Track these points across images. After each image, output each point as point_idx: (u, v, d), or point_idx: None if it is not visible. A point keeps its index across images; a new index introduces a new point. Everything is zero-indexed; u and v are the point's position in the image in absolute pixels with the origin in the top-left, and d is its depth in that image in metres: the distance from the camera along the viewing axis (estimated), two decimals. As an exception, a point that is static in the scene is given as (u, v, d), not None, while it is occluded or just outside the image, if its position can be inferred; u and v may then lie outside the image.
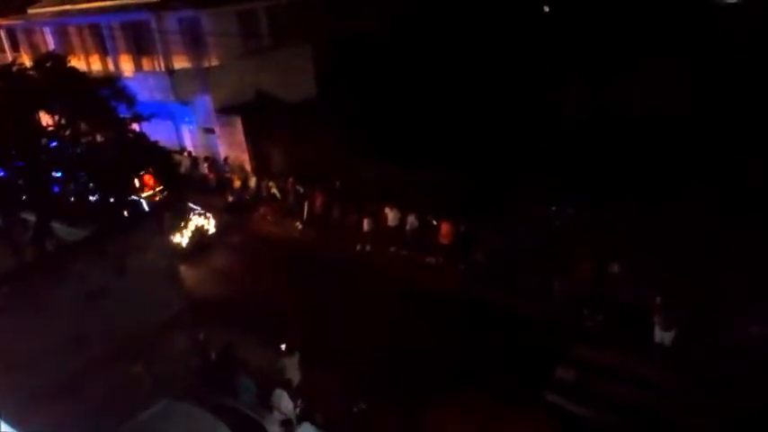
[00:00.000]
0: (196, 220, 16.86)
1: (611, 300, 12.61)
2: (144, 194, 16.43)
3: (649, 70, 24.23)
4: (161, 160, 13.54)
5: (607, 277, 12.64)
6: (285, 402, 10.09)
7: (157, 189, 16.99)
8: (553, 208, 14.59)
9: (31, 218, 13.11)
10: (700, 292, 11.75)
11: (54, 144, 12.26)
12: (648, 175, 16.56)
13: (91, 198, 12.05)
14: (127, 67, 24.35)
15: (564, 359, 11.60)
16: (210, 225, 17.27)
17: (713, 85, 22.10)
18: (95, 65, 25.70)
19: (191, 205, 17.24)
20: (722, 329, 11.13)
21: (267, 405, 10.17)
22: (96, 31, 24.59)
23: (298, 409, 10.18)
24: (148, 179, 16.29)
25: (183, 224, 16.20)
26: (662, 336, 11.04)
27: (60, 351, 11.50)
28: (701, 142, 17.90)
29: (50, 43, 25.97)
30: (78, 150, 12.10)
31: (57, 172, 12.25)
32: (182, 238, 16.31)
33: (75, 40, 25.87)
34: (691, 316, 11.16)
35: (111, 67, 24.71)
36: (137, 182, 15.58)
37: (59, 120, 12.67)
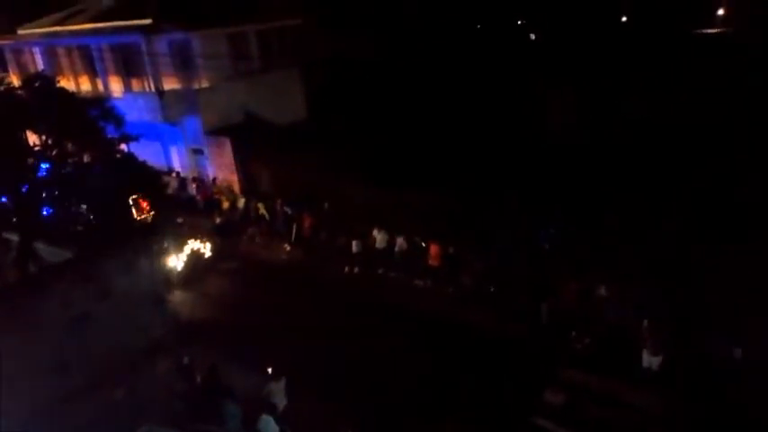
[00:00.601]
0: (192, 244, 16.57)
1: (598, 322, 12.63)
2: (138, 218, 16.22)
3: (632, 91, 24.80)
4: (149, 181, 13.41)
5: (594, 300, 12.69)
6: (271, 428, 9.90)
7: (152, 213, 16.84)
8: (542, 231, 14.64)
9: (14, 238, 12.92)
10: (686, 316, 11.79)
11: (41, 164, 12.11)
12: (634, 196, 16.73)
13: (76, 219, 11.86)
14: (116, 87, 24.35)
15: (552, 383, 11.56)
16: (207, 249, 17.02)
17: (699, 103, 22.68)
18: (84, 85, 25.67)
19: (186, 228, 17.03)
20: (708, 353, 11.16)
21: (253, 431, 9.96)
22: (86, 53, 24.63)
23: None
24: (143, 203, 16.09)
25: (178, 248, 15.96)
26: (650, 360, 11.05)
27: (40, 376, 11.23)
28: (686, 159, 18.21)
29: (39, 63, 25.93)
30: (65, 170, 11.95)
31: (43, 192, 12.09)
32: (177, 262, 16.03)
33: (65, 61, 25.86)
34: (677, 340, 11.19)
35: (100, 87, 24.70)
36: (131, 205, 15.39)
37: (46, 139, 12.57)
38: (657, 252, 13.11)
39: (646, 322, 11.18)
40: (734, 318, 11.20)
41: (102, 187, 11.99)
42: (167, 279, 15.94)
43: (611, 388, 11.29)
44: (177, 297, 15.87)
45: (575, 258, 13.82)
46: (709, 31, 52.00)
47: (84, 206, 12.13)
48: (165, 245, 15.27)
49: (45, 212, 12.29)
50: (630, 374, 11.34)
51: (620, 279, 12.67)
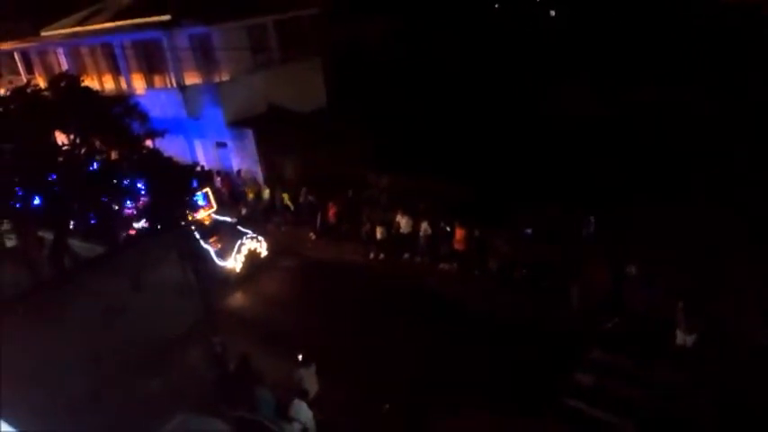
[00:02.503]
0: (249, 244, 16.77)
1: (628, 302, 12.46)
2: (197, 215, 16.54)
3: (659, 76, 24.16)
4: (171, 175, 13.63)
5: (625, 279, 12.51)
6: (304, 413, 10.06)
7: (211, 210, 17.13)
8: (590, 218, 14.41)
9: (48, 236, 13.27)
10: (719, 295, 11.56)
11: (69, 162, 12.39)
12: (667, 178, 16.42)
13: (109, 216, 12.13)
14: (139, 84, 24.70)
15: (582, 363, 11.46)
16: (263, 248, 17.17)
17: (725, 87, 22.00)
18: (108, 83, 26.11)
19: (242, 230, 17.15)
20: (741, 333, 10.93)
21: (286, 416, 10.13)
22: (108, 51, 25.00)
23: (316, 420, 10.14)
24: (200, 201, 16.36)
25: (237, 249, 16.23)
26: (684, 338, 10.87)
27: (77, 367, 11.56)
28: (715, 144, 17.74)
29: (64, 64, 26.42)
30: (94, 167, 12.22)
31: (75, 190, 12.38)
32: (235, 263, 16.32)
33: (88, 60, 26.30)
34: (711, 320, 10.98)
35: (123, 85, 25.09)
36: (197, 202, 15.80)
37: (74, 138, 12.84)
38: (691, 234, 12.85)
39: (681, 303, 10.97)
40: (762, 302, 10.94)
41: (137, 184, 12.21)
42: (225, 280, 16.22)
43: (641, 367, 11.14)
44: (236, 298, 15.96)
45: (607, 240, 13.64)
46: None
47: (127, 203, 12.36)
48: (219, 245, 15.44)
49: (90, 218, 12.55)
50: (660, 354, 11.18)
51: (651, 259, 12.45)
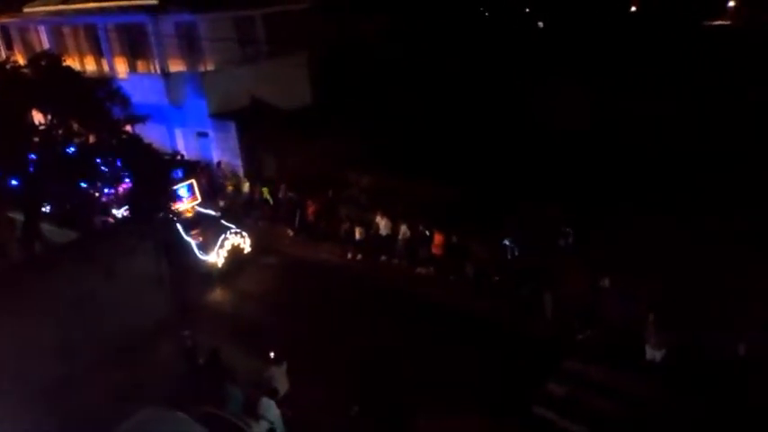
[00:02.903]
0: (233, 239, 16.48)
1: (601, 314, 12.60)
2: (181, 207, 16.17)
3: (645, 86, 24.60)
4: (151, 162, 13.36)
5: (598, 292, 12.65)
6: (272, 412, 9.95)
7: (195, 203, 16.79)
8: (567, 229, 14.54)
9: (20, 217, 12.90)
10: (690, 310, 11.76)
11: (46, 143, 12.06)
12: (648, 190, 16.69)
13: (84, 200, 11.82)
14: (121, 68, 24.21)
15: (555, 373, 11.55)
16: (246, 244, 16.88)
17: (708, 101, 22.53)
18: (90, 65, 25.54)
19: (226, 224, 16.86)
20: (711, 347, 11.14)
21: (254, 414, 10.02)
22: (92, 32, 24.48)
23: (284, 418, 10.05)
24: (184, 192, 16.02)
25: (220, 243, 15.95)
26: (653, 353, 11.03)
27: (45, 356, 11.26)
28: (697, 159, 18.12)
29: (45, 42, 25.78)
30: (71, 150, 11.90)
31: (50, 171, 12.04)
32: (218, 258, 16.02)
33: (70, 40, 25.72)
34: (681, 334, 11.17)
35: (105, 68, 24.57)
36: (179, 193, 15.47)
37: (52, 119, 12.50)
38: (664, 248, 13.07)
39: (651, 316, 11.14)
40: (739, 314, 11.16)
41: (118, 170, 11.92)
42: (208, 275, 15.93)
43: (613, 379, 11.27)
44: (215, 293, 15.69)
45: (584, 251, 13.78)
46: (720, 22, 51.48)
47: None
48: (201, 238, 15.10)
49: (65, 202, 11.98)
50: (633, 367, 11.33)
51: (624, 272, 12.62)
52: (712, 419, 10.03)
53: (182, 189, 16.39)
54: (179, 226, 15.63)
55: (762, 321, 10.97)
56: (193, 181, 16.91)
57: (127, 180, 12.62)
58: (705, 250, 13.22)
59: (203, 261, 15.96)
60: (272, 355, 11.03)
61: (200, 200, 17.18)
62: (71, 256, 11.87)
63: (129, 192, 12.21)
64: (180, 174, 15.41)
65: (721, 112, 21.78)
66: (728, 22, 51.61)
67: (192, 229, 16.14)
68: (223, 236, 16.21)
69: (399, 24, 33.88)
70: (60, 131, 12.63)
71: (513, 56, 31.64)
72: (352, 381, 11.53)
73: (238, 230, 16.71)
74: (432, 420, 10.67)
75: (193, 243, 16.03)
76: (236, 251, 16.49)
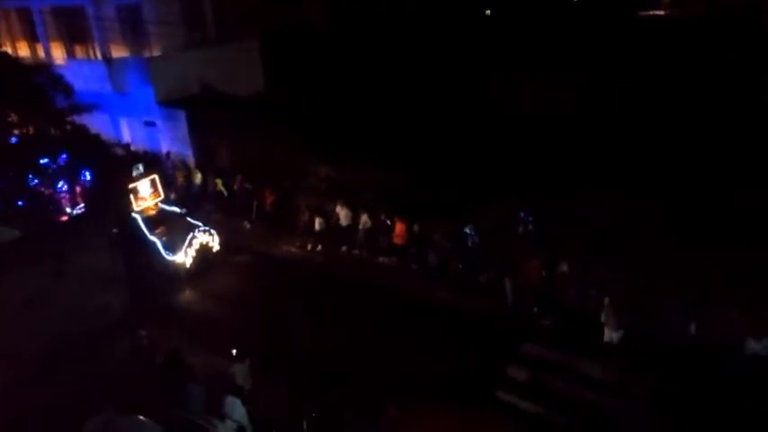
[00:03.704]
0: (201, 238, 15.65)
1: (560, 299, 12.92)
2: (139, 206, 15.33)
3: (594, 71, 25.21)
4: (101, 154, 12.67)
5: (556, 276, 12.95)
6: (238, 410, 9.70)
7: (158, 199, 15.91)
8: (521, 214, 14.73)
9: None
10: (644, 292, 12.19)
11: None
12: (606, 174, 17.12)
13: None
14: (58, 54, 22.91)
15: (515, 358, 11.77)
16: (215, 243, 16.10)
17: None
18: (23, 51, 24.01)
19: (193, 221, 16.00)
20: (664, 328, 11.59)
21: (218, 413, 9.74)
22: (25, 16, 22.97)
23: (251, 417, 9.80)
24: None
25: (188, 242, 15.12)
26: (611, 335, 11.40)
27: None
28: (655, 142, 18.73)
29: (-28, 26, 24.06)
30: (12, 142, 11.11)
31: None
32: (186, 258, 15.18)
33: (1, 24, 24.06)
34: (636, 316, 11.58)
35: (40, 53, 23.17)
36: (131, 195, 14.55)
37: (-12, 109, 11.64)
38: (619, 232, 13.47)
39: (607, 300, 11.48)
40: (691, 295, 11.64)
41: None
42: (175, 274, 15.15)
43: (573, 362, 11.58)
44: (184, 294, 14.95)
45: (540, 236, 14.04)
46: (656, 12, 53.32)
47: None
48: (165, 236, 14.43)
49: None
50: (591, 349, 11.67)
51: (581, 257, 12.95)
52: (669, 399, 10.45)
53: (143, 185, 15.59)
54: (141, 224, 14.85)
55: (712, 301, 11.51)
56: (155, 176, 16.06)
57: (83, 176, 11.87)
58: (659, 235, 13.69)
59: (170, 261, 15.15)
60: (234, 352, 10.75)
61: (162, 196, 16.36)
62: (16, 256, 11.13)
63: (84, 189, 11.48)
64: (141, 169, 14.58)
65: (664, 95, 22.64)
66: (662, 12, 53.44)
67: (156, 227, 15.34)
68: (191, 234, 15.44)
69: (352, 10, 33.38)
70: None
71: (463, 41, 31.75)
72: (312, 375, 11.37)
73: (206, 228, 15.95)
74: (401, 410, 10.65)
75: (158, 242, 15.20)
76: (204, 250, 15.77)
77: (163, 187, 19.92)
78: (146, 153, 16.21)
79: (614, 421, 10.25)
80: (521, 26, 37.89)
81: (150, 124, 22.01)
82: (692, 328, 11.26)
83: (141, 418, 9.27)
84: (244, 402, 9.80)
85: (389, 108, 22.56)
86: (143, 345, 11.39)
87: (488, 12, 58.38)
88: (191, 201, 19.36)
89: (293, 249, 16.81)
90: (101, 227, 12.03)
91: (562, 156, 18.31)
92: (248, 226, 18.14)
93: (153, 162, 15.64)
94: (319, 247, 16.61)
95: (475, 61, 27.78)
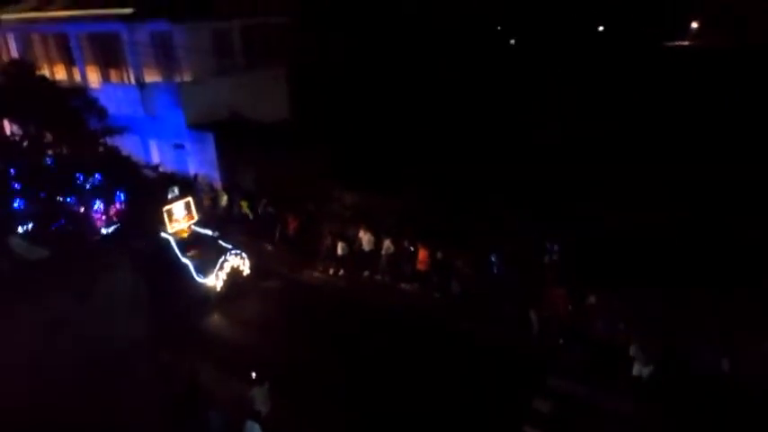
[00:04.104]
0: (232, 261, 15.64)
1: (587, 331, 12.60)
2: (173, 228, 15.45)
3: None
4: (134, 175, 12.90)
5: (584, 309, 12.66)
6: (257, 435, 9.57)
7: (190, 222, 16.00)
8: (547, 246, 14.52)
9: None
10: (675, 329, 11.83)
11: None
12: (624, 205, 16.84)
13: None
14: (93, 77, 23.61)
15: (541, 391, 11.47)
16: (246, 267, 16.07)
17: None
18: (60, 74, 24.83)
19: (224, 245, 16.02)
20: (695, 364, 11.21)
21: (237, 438, 9.61)
22: (63, 41, 23.82)
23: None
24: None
25: (219, 266, 15.14)
26: (640, 370, 11.05)
27: (10, 384, 10.52)
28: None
29: (13, 51, 24.99)
30: (47, 162, 11.37)
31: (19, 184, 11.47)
32: (217, 281, 15.16)
33: (40, 48, 25.00)
34: (667, 351, 11.22)
35: (76, 77, 23.92)
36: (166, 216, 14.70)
37: (25, 129, 11.95)
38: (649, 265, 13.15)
39: (638, 333, 11.17)
40: (723, 331, 11.26)
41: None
42: (206, 297, 15.16)
43: (601, 397, 11.25)
44: (214, 319, 14.84)
45: (567, 267, 13.78)
46: (683, 43, 53.17)
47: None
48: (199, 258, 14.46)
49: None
50: (620, 384, 11.33)
51: (610, 289, 12.65)
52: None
53: (177, 207, 15.71)
54: (174, 246, 14.90)
55: (745, 338, 11.11)
56: (190, 199, 16.18)
57: (117, 197, 12.03)
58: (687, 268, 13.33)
59: (201, 283, 15.12)
60: (253, 375, 10.67)
61: (196, 219, 16.38)
62: (42, 276, 11.19)
63: (117, 210, 11.62)
64: (177, 192, 14.74)
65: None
66: (687, 43, 53.32)
67: (189, 249, 15.37)
68: (222, 257, 15.40)
69: (377, 43, 33.97)
70: (30, 142, 12.06)
71: (491, 71, 31.97)
72: (331, 401, 11.20)
73: (238, 252, 15.89)
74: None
75: (190, 264, 15.21)
76: (235, 273, 15.71)
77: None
78: (177, 175, 16.31)
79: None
80: (546, 56, 38.09)
81: (179, 147, 22.43)
82: (725, 364, 10.89)
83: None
84: (262, 427, 9.69)
85: (413, 136, 22.69)
86: (164, 369, 11.34)
87: (512, 42, 59.05)
88: (216, 222, 19.54)
89: (316, 274, 16.75)
90: (127, 248, 12.09)
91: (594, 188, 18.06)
92: (270, 249, 18.18)
93: (188, 185, 15.61)
94: (341, 272, 16.54)
95: (500, 89, 27.89)
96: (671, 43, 52.48)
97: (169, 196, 15.40)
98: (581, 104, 25.68)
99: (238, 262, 15.83)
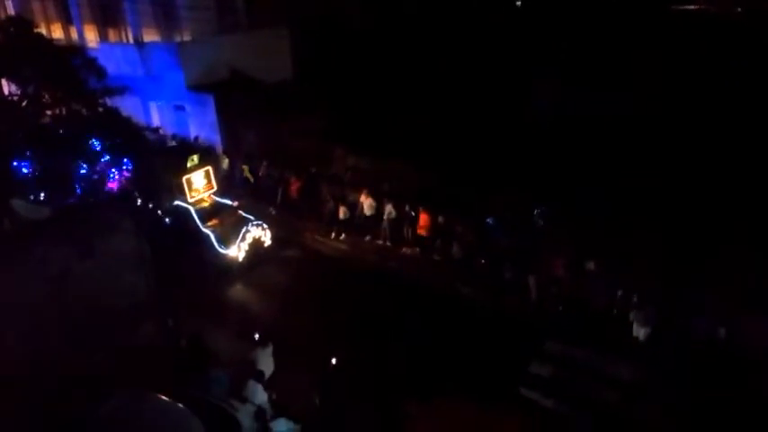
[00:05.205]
0: (254, 232, 15.36)
1: (586, 296, 12.69)
2: (192, 197, 15.18)
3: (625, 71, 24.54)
4: (133, 137, 12.79)
5: (583, 274, 12.72)
6: (259, 395, 9.77)
7: (211, 191, 15.69)
8: (537, 210, 14.46)
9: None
10: (672, 290, 11.89)
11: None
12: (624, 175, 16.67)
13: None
14: (91, 36, 23.22)
15: (539, 355, 11.62)
16: (267, 237, 15.73)
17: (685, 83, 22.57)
18: (57, 32, 24.41)
19: (245, 215, 15.75)
20: (693, 332, 11.32)
21: (239, 397, 9.81)
22: (60, -2, 23.36)
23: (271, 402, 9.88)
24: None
25: (241, 237, 14.88)
26: (638, 331, 11.20)
27: (18, 337, 10.77)
28: (674, 142, 18.15)
29: (10, 8, 24.50)
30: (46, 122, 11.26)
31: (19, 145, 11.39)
32: (238, 252, 14.93)
33: (36, 6, 24.50)
34: (664, 316, 11.32)
35: (74, 35, 23.52)
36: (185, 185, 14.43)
37: (24, 89, 11.78)
38: (649, 232, 13.12)
39: (635, 297, 11.26)
40: (721, 298, 11.33)
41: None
42: (227, 267, 14.97)
43: (598, 361, 11.40)
44: (232, 288, 14.75)
45: (565, 233, 13.77)
46: (689, 7, 51.70)
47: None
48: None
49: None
50: (616, 347, 11.47)
51: (609, 255, 12.67)
52: (695, 404, 10.21)
53: (197, 176, 15.38)
54: (195, 216, 14.63)
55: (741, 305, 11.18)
56: (209, 168, 15.78)
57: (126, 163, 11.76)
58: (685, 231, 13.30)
59: (222, 254, 14.90)
60: (256, 336, 10.81)
61: (215, 188, 15.99)
62: (45, 234, 11.31)
63: (133, 179, 11.35)
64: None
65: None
66: (696, 7, 51.75)
67: (209, 219, 15.10)
68: (245, 228, 15.16)
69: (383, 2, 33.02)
70: (29, 102, 11.91)
71: (498, 36, 31.19)
72: (332, 363, 11.37)
73: (259, 222, 15.59)
74: (423, 405, 10.62)
75: (211, 235, 14.94)
76: (256, 244, 15.45)
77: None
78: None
79: (638, 422, 10.07)
80: (552, 21, 37.05)
81: (180, 108, 22.20)
82: (722, 332, 10.99)
83: (162, 397, 9.35)
84: (265, 387, 9.88)
85: (417, 99, 22.32)
86: (168, 327, 11.53)
87: (518, 3, 57.57)
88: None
89: (317, 237, 16.80)
90: (129, 211, 12.13)
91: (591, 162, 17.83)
92: (273, 212, 18.18)
93: (208, 153, 15.30)
94: (343, 236, 16.59)
95: (504, 59, 27.25)
96: (679, 7, 51.02)
97: (188, 165, 15.02)
98: (584, 69, 25.10)
99: (260, 232, 15.56)
